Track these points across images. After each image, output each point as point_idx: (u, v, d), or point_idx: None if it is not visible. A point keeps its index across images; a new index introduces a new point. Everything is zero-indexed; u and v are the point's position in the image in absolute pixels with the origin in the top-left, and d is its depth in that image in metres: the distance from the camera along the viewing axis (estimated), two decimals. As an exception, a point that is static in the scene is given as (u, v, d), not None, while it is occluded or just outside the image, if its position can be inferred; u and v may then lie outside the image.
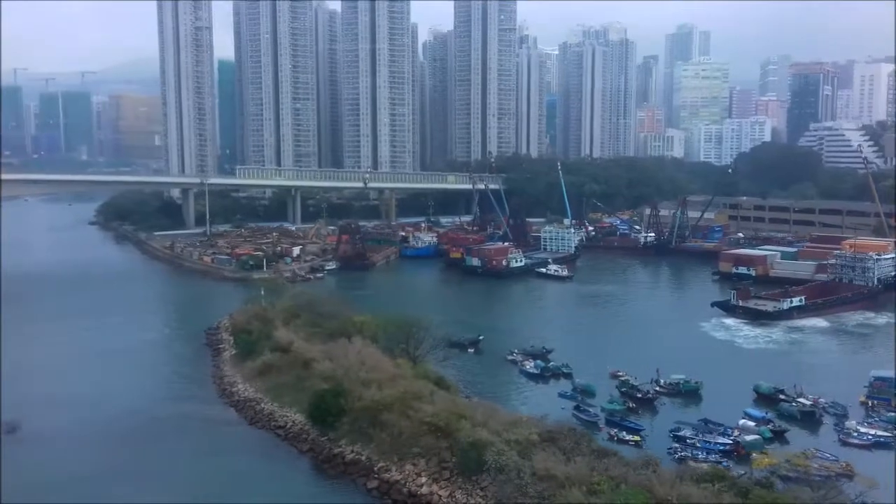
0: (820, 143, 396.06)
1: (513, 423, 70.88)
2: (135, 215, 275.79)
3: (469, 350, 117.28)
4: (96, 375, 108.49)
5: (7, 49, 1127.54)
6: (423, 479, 67.60)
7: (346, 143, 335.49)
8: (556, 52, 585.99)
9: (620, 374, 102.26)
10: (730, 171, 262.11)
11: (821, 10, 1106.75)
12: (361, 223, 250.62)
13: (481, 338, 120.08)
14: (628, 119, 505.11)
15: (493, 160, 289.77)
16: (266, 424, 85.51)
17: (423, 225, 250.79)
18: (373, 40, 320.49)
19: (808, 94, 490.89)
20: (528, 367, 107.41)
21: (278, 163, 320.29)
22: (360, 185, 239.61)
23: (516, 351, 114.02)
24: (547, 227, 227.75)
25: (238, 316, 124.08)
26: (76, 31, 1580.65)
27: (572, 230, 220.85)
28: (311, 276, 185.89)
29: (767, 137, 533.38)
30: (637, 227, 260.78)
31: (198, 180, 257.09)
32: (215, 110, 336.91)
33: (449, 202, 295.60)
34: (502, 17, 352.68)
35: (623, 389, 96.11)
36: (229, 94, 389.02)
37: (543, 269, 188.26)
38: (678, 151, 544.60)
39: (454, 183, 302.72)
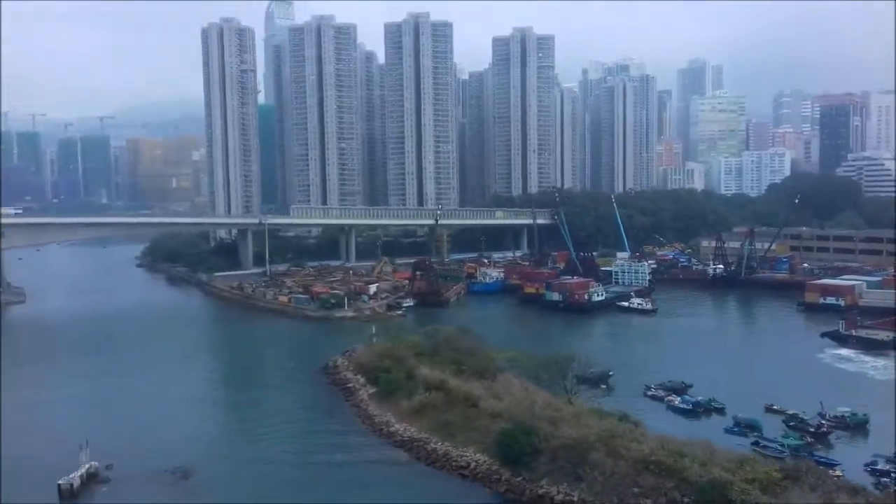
0: (859, 173, 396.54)
1: (739, 460, 68.61)
2: (187, 257, 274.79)
3: (601, 386, 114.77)
4: (234, 418, 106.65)
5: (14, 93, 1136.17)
6: (658, 520, 65.21)
7: (391, 181, 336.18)
8: (575, 87, 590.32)
9: (776, 407, 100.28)
10: (796, 200, 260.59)
11: (830, 43, 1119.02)
12: (413, 260, 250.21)
13: (611, 373, 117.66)
14: (650, 153, 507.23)
15: (557, 195, 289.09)
16: (445, 465, 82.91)
17: (486, 260, 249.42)
18: (417, 79, 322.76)
19: (838, 125, 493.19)
20: (676, 402, 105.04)
21: (324, 202, 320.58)
22: (432, 222, 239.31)
23: (654, 386, 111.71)
24: (618, 261, 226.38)
25: (361, 354, 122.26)
26: (80, 77, 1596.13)
27: (645, 263, 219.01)
28: (392, 314, 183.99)
29: (787, 169, 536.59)
30: (695, 259, 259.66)
31: (256, 220, 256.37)
32: (258, 151, 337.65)
33: (496, 237, 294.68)
34: (541, 54, 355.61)
35: (792, 423, 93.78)
36: (266, 135, 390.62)
37: (626, 303, 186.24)
38: (698, 184, 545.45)
39: (503, 218, 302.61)
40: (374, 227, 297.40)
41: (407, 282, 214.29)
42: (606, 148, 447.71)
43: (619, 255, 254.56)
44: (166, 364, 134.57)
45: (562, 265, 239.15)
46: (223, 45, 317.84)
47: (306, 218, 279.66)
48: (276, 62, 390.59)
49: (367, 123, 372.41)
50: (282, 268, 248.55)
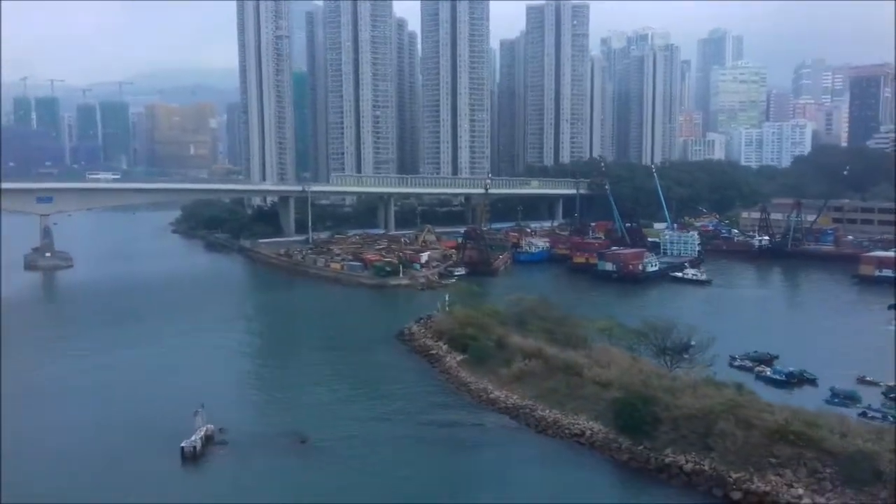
0: (893, 146, 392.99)
1: (877, 432, 68.66)
2: (227, 223, 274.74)
3: (683, 356, 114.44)
4: (322, 379, 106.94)
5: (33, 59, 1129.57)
6: (801, 491, 65.07)
7: (425, 150, 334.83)
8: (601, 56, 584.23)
9: (869, 379, 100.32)
10: (845, 172, 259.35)
11: (854, 12, 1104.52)
12: (451, 229, 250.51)
13: (693, 343, 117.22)
14: (673, 124, 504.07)
15: (603, 165, 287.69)
16: (558, 432, 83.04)
17: (529, 230, 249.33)
18: (454, 46, 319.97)
19: (868, 96, 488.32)
20: (767, 373, 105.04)
21: (358, 170, 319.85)
22: (481, 190, 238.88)
23: (739, 357, 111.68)
24: (666, 231, 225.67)
25: (440, 322, 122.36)
26: (94, 43, 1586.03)
27: (694, 234, 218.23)
28: (446, 282, 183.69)
29: (808, 141, 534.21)
30: (735, 230, 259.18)
31: (300, 187, 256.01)
32: (293, 119, 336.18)
33: (529, 207, 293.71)
34: (575, 21, 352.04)
35: (893, 395, 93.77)
36: (299, 103, 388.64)
37: (679, 274, 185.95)
38: (719, 155, 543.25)
39: (538, 188, 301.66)
40: (407, 196, 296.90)
41: (453, 250, 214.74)
42: (634, 118, 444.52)
43: (657, 225, 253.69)
44: (239, 327, 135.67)
45: (601, 235, 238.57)
46: (259, 11, 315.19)
47: (349, 186, 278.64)
48: (310, 29, 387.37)
49: (399, 91, 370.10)
50: (323, 235, 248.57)
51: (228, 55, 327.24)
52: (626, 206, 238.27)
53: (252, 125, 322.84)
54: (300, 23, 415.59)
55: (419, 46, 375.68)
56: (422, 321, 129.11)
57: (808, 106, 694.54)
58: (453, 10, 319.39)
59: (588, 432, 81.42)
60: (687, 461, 72.59)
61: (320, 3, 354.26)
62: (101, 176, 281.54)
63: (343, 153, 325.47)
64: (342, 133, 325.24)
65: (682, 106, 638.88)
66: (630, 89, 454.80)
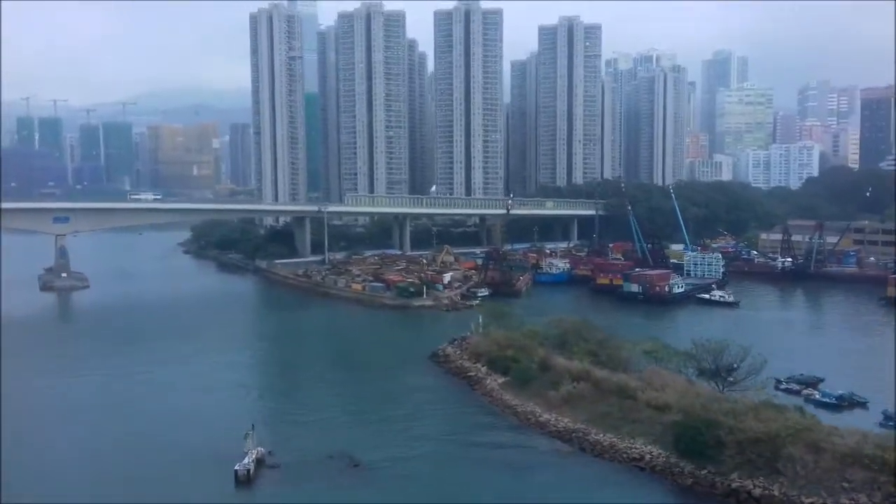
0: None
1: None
2: (241, 244, 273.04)
3: (728, 378, 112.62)
4: (359, 399, 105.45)
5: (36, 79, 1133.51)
6: (878, 516, 63.46)
7: (438, 170, 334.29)
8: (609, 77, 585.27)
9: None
10: (867, 194, 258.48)
11: (857, 34, 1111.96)
12: (466, 250, 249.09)
13: (737, 365, 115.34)
14: (681, 145, 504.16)
15: (623, 185, 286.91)
16: (615, 456, 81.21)
17: (548, 251, 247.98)
18: (467, 67, 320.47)
19: (878, 118, 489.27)
20: (816, 396, 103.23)
21: (371, 190, 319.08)
22: (503, 211, 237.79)
23: (784, 379, 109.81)
24: (689, 253, 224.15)
25: (477, 343, 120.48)
26: (95, 62, 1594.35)
27: (718, 255, 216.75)
28: (471, 304, 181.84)
29: (816, 163, 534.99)
30: (754, 251, 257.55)
31: (315, 207, 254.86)
32: (305, 140, 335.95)
33: (543, 228, 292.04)
34: (587, 43, 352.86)
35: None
36: (310, 123, 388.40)
37: (706, 295, 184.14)
38: (726, 177, 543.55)
39: (553, 209, 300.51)
40: (419, 217, 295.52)
41: (473, 271, 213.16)
42: (644, 139, 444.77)
43: (674, 247, 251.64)
44: (267, 347, 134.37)
45: (619, 256, 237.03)
46: (272, 32, 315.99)
47: (365, 206, 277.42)
48: (321, 50, 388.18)
49: (410, 111, 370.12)
50: (338, 256, 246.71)
51: (231, 75, 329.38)
52: (646, 226, 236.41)
53: (264, 145, 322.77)
54: (311, 44, 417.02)
55: (429, 67, 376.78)
56: (456, 342, 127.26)
57: (815, 128, 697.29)
58: (466, 31, 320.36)
59: (647, 456, 79.60)
60: (755, 486, 70.79)
61: (332, 24, 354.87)
62: (143, 196, 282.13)
63: (356, 173, 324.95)
64: (355, 153, 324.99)
65: (688, 127, 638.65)
66: (640, 110, 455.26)
